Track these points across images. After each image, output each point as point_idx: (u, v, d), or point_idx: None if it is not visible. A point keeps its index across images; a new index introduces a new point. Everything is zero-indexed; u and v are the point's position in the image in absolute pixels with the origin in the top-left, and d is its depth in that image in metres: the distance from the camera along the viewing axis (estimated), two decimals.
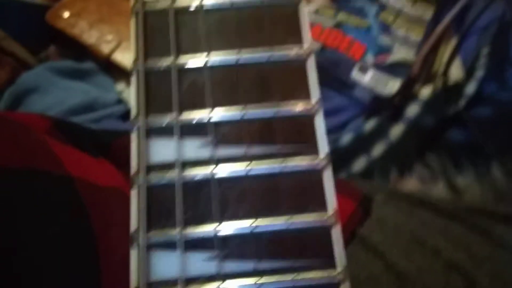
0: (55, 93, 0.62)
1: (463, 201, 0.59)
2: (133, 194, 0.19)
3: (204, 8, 0.22)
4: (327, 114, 0.66)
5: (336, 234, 0.19)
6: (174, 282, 0.18)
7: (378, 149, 0.63)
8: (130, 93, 0.21)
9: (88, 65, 0.68)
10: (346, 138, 0.63)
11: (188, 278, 0.18)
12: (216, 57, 0.21)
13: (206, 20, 0.22)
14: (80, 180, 0.35)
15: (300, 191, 0.20)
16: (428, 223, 0.46)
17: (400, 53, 0.67)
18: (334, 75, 0.65)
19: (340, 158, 0.60)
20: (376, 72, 0.66)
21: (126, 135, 0.53)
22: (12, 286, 0.26)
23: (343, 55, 0.67)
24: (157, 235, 0.19)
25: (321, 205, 0.20)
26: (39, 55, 0.68)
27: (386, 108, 0.65)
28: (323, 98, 0.64)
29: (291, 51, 0.21)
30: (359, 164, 0.62)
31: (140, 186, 0.19)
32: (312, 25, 0.69)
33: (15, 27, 0.65)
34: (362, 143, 0.63)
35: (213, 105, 0.21)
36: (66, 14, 0.69)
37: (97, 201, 0.34)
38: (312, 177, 0.20)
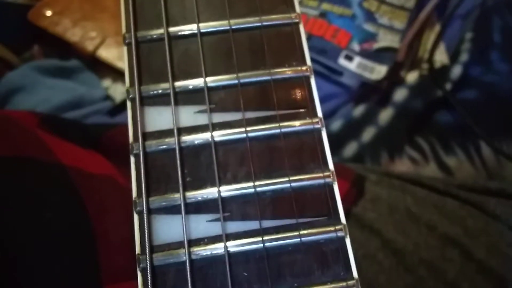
0: (41, 92, 0.62)
1: (455, 179, 0.59)
2: (132, 162, 0.19)
3: None
4: (320, 102, 0.66)
5: (337, 190, 0.19)
6: (178, 244, 0.18)
7: (368, 134, 0.64)
8: (124, 64, 0.20)
9: (73, 62, 0.68)
10: (336, 124, 0.63)
11: (192, 239, 0.18)
12: (208, 26, 0.21)
13: None
14: (72, 168, 0.34)
15: (299, 151, 0.20)
16: (422, 199, 0.46)
17: (385, 40, 0.68)
18: (321, 63, 0.66)
19: (330, 145, 0.61)
20: (362, 59, 0.66)
21: (115, 127, 0.53)
22: (7, 271, 0.26)
23: (329, 42, 0.67)
24: (158, 200, 0.19)
25: (321, 164, 0.20)
26: (23, 55, 0.67)
27: (374, 94, 0.65)
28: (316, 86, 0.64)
29: (283, 18, 0.21)
30: (350, 149, 0.62)
31: (138, 154, 0.19)
32: None
33: None
34: (352, 129, 0.63)
35: (207, 73, 0.20)
36: (48, 13, 0.68)
37: (90, 188, 0.34)
38: (311, 138, 0.20)
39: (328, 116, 0.65)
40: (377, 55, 0.66)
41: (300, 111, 0.20)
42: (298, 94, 0.20)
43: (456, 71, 0.67)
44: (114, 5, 0.70)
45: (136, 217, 0.19)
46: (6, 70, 0.65)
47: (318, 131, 0.20)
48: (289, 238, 0.18)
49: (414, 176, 0.52)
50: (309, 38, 0.67)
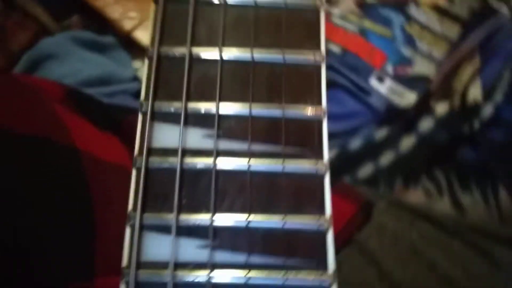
0: (72, 63, 0.63)
1: (466, 219, 0.58)
2: (133, 175, 0.20)
3: (227, 2, 0.22)
4: (340, 117, 0.66)
5: (330, 239, 0.19)
6: (164, 264, 0.19)
7: (386, 158, 0.63)
8: (142, 77, 0.21)
9: (108, 39, 0.69)
10: (356, 143, 0.63)
11: (178, 263, 0.19)
12: (231, 52, 0.21)
13: (226, 15, 0.21)
14: (85, 153, 0.35)
15: (299, 192, 0.20)
16: (428, 236, 0.46)
17: (421, 67, 0.66)
18: (352, 80, 0.65)
19: (347, 162, 0.60)
20: (394, 83, 0.65)
21: (137, 113, 0.53)
22: (13, 239, 0.27)
23: (363, 61, 0.66)
24: (152, 218, 0.19)
25: (319, 209, 0.20)
26: (62, 22, 0.68)
27: (400, 119, 0.65)
28: (338, 101, 0.64)
29: (306, 55, 0.21)
30: (366, 170, 0.62)
31: (140, 168, 0.20)
32: (336, 28, 0.68)
33: None
34: (371, 150, 0.63)
35: (221, 99, 0.21)
36: None
37: (99, 176, 0.34)
38: (313, 181, 0.20)
39: (349, 133, 0.64)
40: (410, 81, 0.65)
41: (308, 152, 0.20)
42: (308, 135, 0.20)
43: (488, 110, 0.65)
44: None
45: (127, 230, 0.19)
46: (44, 35, 0.66)
47: (321, 175, 0.20)
48: (274, 279, 0.18)
49: (424, 209, 0.51)
50: (343, 53, 0.66)
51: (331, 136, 0.62)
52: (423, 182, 0.63)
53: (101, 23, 0.69)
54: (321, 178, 0.20)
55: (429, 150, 0.62)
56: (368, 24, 0.68)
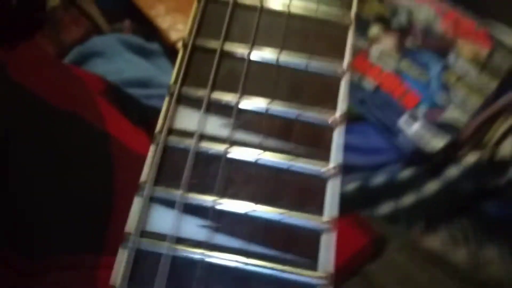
0: (117, 62, 0.66)
1: (481, 272, 0.57)
2: (151, 150, 0.21)
3: (263, 7, 0.23)
4: (365, 151, 0.66)
5: (326, 241, 0.20)
6: (164, 237, 0.20)
7: (407, 199, 0.63)
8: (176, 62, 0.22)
9: (154, 46, 0.72)
10: (378, 179, 0.63)
11: (178, 237, 0.20)
12: (259, 52, 0.22)
13: (260, 18, 0.23)
14: (115, 140, 0.37)
15: (302, 191, 0.21)
16: (439, 281, 0.45)
17: (454, 114, 0.66)
18: (381, 118, 0.65)
19: (367, 197, 0.60)
20: (424, 126, 0.65)
21: None
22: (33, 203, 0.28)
23: (395, 101, 0.67)
24: (161, 191, 0.20)
25: (318, 210, 0.20)
26: (114, 24, 0.72)
27: (425, 164, 0.64)
28: (365, 135, 0.65)
29: (329, 66, 0.22)
30: (385, 208, 0.62)
31: (158, 144, 0.21)
32: (373, 66, 0.69)
33: None
34: (393, 189, 0.63)
35: (243, 93, 0.22)
36: None
37: (124, 161, 0.36)
38: (317, 182, 0.21)
39: (373, 169, 0.64)
40: (440, 128, 0.65)
41: (317, 153, 0.21)
42: (319, 139, 0.21)
43: None
44: None
45: (136, 199, 0.20)
46: (94, 34, 0.70)
47: (326, 178, 0.21)
48: (268, 269, 0.19)
49: (440, 255, 0.50)
50: (377, 90, 0.67)
51: (353, 168, 0.63)
52: (442, 229, 0.62)
53: (149, 30, 0.73)
54: (324, 181, 0.21)
55: (452, 198, 0.61)
56: (405, 65, 0.69)
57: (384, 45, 0.70)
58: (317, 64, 0.22)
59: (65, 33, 0.67)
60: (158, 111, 0.55)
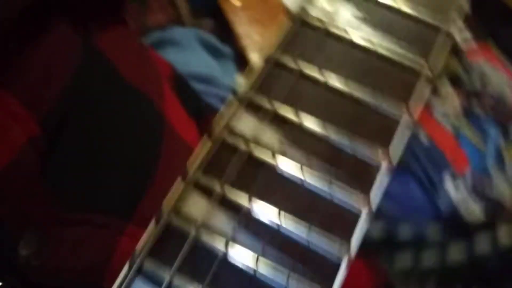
0: (188, 55, 0.69)
1: None
2: (204, 138, 0.23)
3: (350, 40, 0.25)
4: (400, 200, 0.65)
5: (342, 270, 0.21)
6: (194, 220, 0.21)
7: (428, 257, 0.61)
8: (254, 67, 0.24)
9: (226, 49, 0.75)
10: (404, 230, 0.62)
11: (206, 224, 0.21)
12: (332, 80, 0.24)
13: (343, 49, 0.24)
14: (169, 124, 0.39)
15: (333, 217, 0.21)
16: None
17: (501, 189, 0.65)
18: (427, 172, 0.65)
19: (390, 245, 0.59)
20: (466, 193, 0.64)
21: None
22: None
23: (446, 160, 0.66)
24: (203, 179, 0.22)
25: (344, 238, 0.21)
26: (195, 19, 0.76)
27: (458, 227, 0.63)
28: (404, 184, 0.64)
29: (391, 106, 0.23)
30: (404, 261, 0.61)
31: (211, 135, 0.23)
32: (432, 120, 0.69)
33: None
34: (416, 244, 0.62)
35: (306, 113, 0.23)
36: (237, 2, 0.76)
37: (172, 148, 0.38)
38: (350, 214, 0.21)
39: (401, 217, 0.63)
40: (484, 199, 0.63)
41: (357, 186, 0.22)
42: (362, 173, 0.22)
43: None
44: None
45: (178, 179, 0.22)
46: (176, 24, 0.74)
47: (358, 212, 0.21)
48: (277, 276, 0.20)
49: None
50: (430, 145, 0.67)
51: (384, 212, 0.62)
52: None
53: (227, 34, 0.76)
54: (357, 215, 0.21)
55: (475, 270, 0.59)
56: (466, 128, 0.68)
57: (450, 102, 0.70)
58: (380, 103, 0.23)
59: (150, 17, 0.70)
60: (213, 109, 0.57)
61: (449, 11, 0.26)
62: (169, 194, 0.22)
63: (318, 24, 0.25)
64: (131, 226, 0.31)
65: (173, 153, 0.37)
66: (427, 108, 0.69)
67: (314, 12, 0.26)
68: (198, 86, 0.67)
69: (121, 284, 0.20)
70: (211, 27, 0.77)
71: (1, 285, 0.24)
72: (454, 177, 0.64)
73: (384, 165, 0.22)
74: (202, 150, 0.23)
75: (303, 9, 0.26)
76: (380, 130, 0.23)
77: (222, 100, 0.70)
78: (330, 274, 0.21)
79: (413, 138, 0.67)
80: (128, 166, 0.33)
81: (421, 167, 0.65)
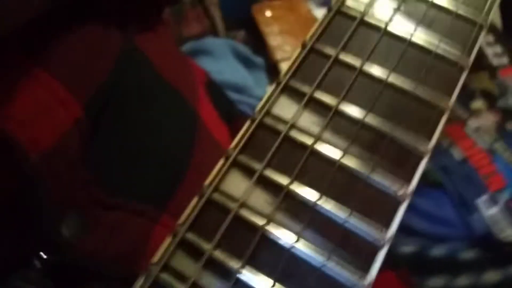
0: (221, 64, 0.70)
1: None
2: (247, 123, 0.23)
3: (387, 30, 0.25)
4: (433, 219, 0.63)
5: (380, 255, 0.20)
6: (234, 199, 0.21)
7: (462, 281, 0.59)
8: (292, 56, 0.24)
9: (258, 60, 0.76)
10: (438, 251, 0.60)
11: (246, 205, 0.21)
12: (370, 67, 0.24)
13: (380, 39, 0.24)
14: (203, 122, 0.39)
15: (374, 202, 0.21)
16: None
17: None
18: (461, 191, 0.63)
19: (422, 265, 0.58)
20: (502, 212, 0.62)
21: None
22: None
23: (480, 178, 0.64)
24: (244, 160, 0.22)
25: (384, 224, 0.21)
26: (229, 31, 0.77)
27: (492, 250, 0.61)
28: (438, 203, 0.62)
29: (434, 98, 0.23)
30: (437, 282, 0.59)
31: (254, 120, 0.23)
32: (467, 137, 0.68)
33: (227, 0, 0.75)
34: (451, 266, 0.60)
35: (343, 99, 0.23)
36: (268, 13, 0.78)
37: (205, 145, 0.38)
38: (391, 200, 0.21)
39: (435, 239, 0.62)
40: None
41: (398, 173, 0.22)
42: (405, 160, 0.22)
43: None
44: None
45: (221, 161, 0.22)
46: (210, 34, 0.76)
47: (400, 200, 0.21)
48: (315, 258, 0.20)
49: None
50: (463, 162, 0.65)
51: (416, 232, 0.60)
52: None
53: (259, 45, 0.77)
54: (398, 203, 0.21)
55: None
56: (500, 147, 0.67)
57: (484, 120, 0.69)
58: (422, 93, 0.23)
59: (186, 27, 0.72)
60: (245, 115, 0.57)
61: (485, 8, 0.25)
62: (212, 172, 0.22)
63: (354, 14, 0.25)
64: (166, 216, 0.31)
65: (205, 151, 0.37)
66: (461, 125, 0.68)
67: (349, 2, 0.26)
68: (231, 95, 0.68)
69: (163, 255, 0.21)
70: (244, 38, 0.79)
71: (44, 263, 0.24)
72: (487, 195, 0.62)
73: (426, 155, 0.22)
74: (243, 132, 0.23)
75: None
76: (420, 120, 0.23)
77: (254, 109, 0.70)
78: (369, 259, 0.20)
79: (446, 155, 0.66)
80: (162, 159, 0.33)
81: (454, 185, 0.63)
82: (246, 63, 0.74)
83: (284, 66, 0.75)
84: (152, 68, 0.36)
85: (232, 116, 0.52)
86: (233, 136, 0.50)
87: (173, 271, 0.20)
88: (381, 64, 0.24)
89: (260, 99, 0.73)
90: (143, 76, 0.35)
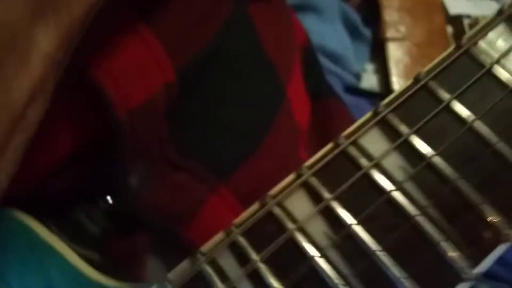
0: (326, 27, 0.67)
1: None
2: (329, 145, 0.22)
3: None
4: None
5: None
6: (293, 218, 0.21)
7: None
8: (400, 87, 0.23)
9: (366, 32, 0.72)
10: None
11: (304, 230, 0.21)
12: (480, 127, 0.21)
13: (501, 98, 0.22)
14: (288, 103, 0.39)
15: (433, 269, 0.20)
16: None
17: None
18: None
19: None
20: None
21: (336, 100, 0.55)
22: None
23: None
24: (315, 185, 0.22)
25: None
26: None
27: None
28: None
29: None
30: None
31: (339, 145, 0.22)
32: None
33: None
34: None
35: (441, 152, 0.21)
36: None
37: (282, 125, 0.37)
38: (450, 274, 0.20)
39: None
40: None
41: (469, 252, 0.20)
42: (480, 241, 0.20)
43: None
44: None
45: (292, 176, 0.22)
46: None
47: (461, 279, 0.20)
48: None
49: None
50: None
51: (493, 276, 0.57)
52: None
53: (372, 16, 0.72)
54: (458, 279, 0.20)
55: None
56: None
57: None
58: None
59: None
60: (332, 93, 0.55)
61: None
62: (279, 184, 0.22)
63: (483, 60, 0.22)
64: (224, 188, 0.31)
65: (281, 133, 0.37)
66: None
67: (483, 45, 0.23)
68: (325, 63, 0.66)
69: (211, 249, 0.21)
70: (358, 4, 0.74)
71: (108, 205, 0.26)
72: None
73: (508, 242, 0.20)
74: (323, 154, 0.22)
75: (472, 38, 0.23)
76: None
77: (345, 84, 0.68)
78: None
79: None
80: (238, 133, 0.33)
81: None
82: (352, 32, 0.71)
83: (391, 47, 0.71)
84: (256, 39, 0.36)
85: (320, 93, 0.51)
86: (314, 115, 0.48)
87: (217, 267, 0.21)
88: (493, 126, 0.21)
89: (355, 75, 0.70)
90: (245, 46, 0.35)
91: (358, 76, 0.70)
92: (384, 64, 0.70)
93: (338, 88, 0.66)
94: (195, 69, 0.30)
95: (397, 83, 0.69)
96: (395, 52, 0.69)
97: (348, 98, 0.64)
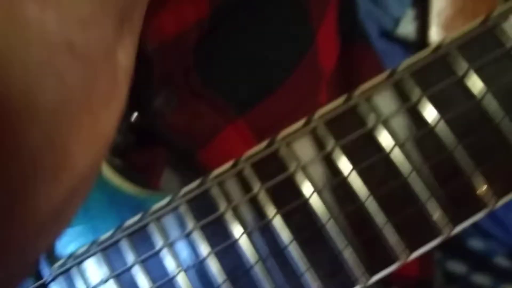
0: None
1: None
2: (341, 98, 0.23)
3: None
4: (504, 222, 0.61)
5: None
6: (297, 159, 0.23)
7: (481, 279, 0.60)
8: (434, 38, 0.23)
9: None
10: (475, 243, 0.60)
11: (305, 169, 0.23)
12: (489, 103, 0.22)
13: None
14: (315, 48, 0.39)
15: (415, 222, 0.22)
16: None
17: None
18: None
19: (455, 246, 0.58)
20: None
21: (366, 45, 0.55)
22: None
23: None
24: (321, 134, 0.23)
25: (411, 248, 0.22)
26: None
27: None
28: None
29: None
30: (457, 267, 0.60)
31: (350, 99, 0.23)
32: None
33: None
34: (480, 261, 0.60)
35: (446, 119, 0.23)
36: None
37: (305, 72, 0.38)
38: (430, 230, 0.22)
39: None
40: None
41: (450, 213, 0.22)
42: (462, 203, 0.22)
43: None
44: None
45: (302, 121, 0.23)
46: None
47: (437, 235, 0.22)
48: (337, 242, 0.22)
49: None
50: None
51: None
52: None
53: None
54: (435, 236, 0.22)
55: None
56: None
57: None
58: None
59: None
60: (363, 38, 0.54)
61: None
62: (289, 127, 0.23)
63: (505, 40, 0.23)
64: (241, 121, 0.33)
65: (304, 76, 0.38)
66: None
67: (508, 26, 0.23)
68: (366, 4, 0.64)
69: (220, 174, 0.23)
70: None
71: (134, 120, 0.28)
72: None
73: (488, 207, 0.22)
74: (334, 104, 0.23)
75: (499, 17, 0.23)
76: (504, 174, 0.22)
77: (382, 29, 0.66)
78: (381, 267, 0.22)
79: None
80: (262, 68, 0.34)
81: None
82: None
83: (438, 3, 0.68)
84: None
85: (352, 37, 0.50)
86: (342, 59, 0.48)
87: (224, 190, 0.24)
88: (502, 102, 0.22)
89: (393, 20, 0.68)
90: None
91: (397, 22, 0.68)
92: (425, 12, 0.68)
93: (374, 32, 0.65)
94: (229, 7, 0.30)
95: (436, 34, 0.67)
96: (438, 1, 0.67)
97: (382, 44, 0.63)
